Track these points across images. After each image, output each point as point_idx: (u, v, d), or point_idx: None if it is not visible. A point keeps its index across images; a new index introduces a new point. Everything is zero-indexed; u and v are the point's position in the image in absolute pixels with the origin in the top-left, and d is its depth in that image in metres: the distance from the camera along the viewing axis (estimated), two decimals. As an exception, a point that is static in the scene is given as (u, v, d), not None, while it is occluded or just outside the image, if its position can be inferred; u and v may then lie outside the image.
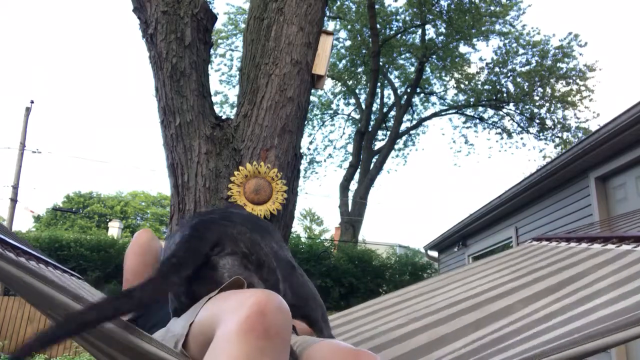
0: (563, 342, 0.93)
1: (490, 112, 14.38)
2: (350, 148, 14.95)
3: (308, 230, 29.24)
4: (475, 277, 1.98)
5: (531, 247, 2.26)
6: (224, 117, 2.51)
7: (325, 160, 15.27)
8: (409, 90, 14.32)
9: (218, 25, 12.67)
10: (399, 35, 13.55)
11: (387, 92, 15.27)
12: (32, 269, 0.81)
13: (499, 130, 14.31)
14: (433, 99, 15.18)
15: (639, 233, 1.81)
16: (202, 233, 1.10)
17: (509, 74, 13.46)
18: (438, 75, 14.70)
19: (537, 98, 13.34)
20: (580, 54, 12.60)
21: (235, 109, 2.63)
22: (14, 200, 12.67)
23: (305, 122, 2.81)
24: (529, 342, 1.11)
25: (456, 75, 14.30)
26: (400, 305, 1.87)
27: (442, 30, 13.07)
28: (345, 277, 8.88)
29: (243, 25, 12.52)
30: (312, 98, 11.05)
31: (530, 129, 13.84)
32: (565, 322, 1.14)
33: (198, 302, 1.02)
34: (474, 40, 13.02)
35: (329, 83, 14.82)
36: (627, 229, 2.11)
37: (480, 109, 14.44)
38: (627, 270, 1.45)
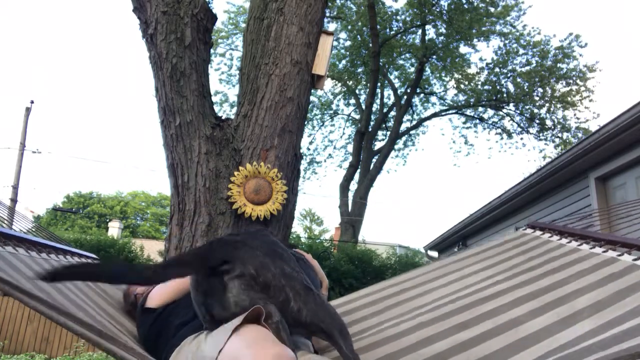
0: None
1: (490, 112, 14.37)
2: (350, 148, 14.95)
3: (308, 231, 29.26)
4: (469, 271, 2.02)
5: (525, 238, 2.30)
6: (224, 117, 2.51)
7: (325, 161, 15.26)
8: (409, 90, 14.30)
9: (218, 24, 12.66)
10: (399, 35, 13.54)
11: (387, 92, 15.26)
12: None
13: (498, 130, 14.29)
14: (433, 99, 15.17)
15: (624, 238, 1.85)
16: (214, 248, 1.28)
17: (509, 74, 13.45)
18: (438, 75, 14.68)
19: (537, 98, 13.33)
20: (581, 55, 12.59)
21: (235, 109, 2.63)
22: (14, 200, 12.66)
23: (305, 122, 2.80)
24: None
25: (456, 75, 14.29)
26: (394, 299, 1.90)
27: (442, 30, 13.07)
28: (345, 277, 8.88)
29: (243, 25, 12.52)
30: (312, 98, 11.05)
31: (530, 129, 13.83)
32: (550, 345, 1.17)
33: (223, 326, 1.17)
34: (474, 40, 13.00)
35: (329, 83, 14.82)
36: (622, 225, 2.14)
37: (480, 109, 14.43)
38: (607, 287, 1.50)
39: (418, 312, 1.68)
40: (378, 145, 14.58)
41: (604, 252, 1.82)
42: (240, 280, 1.21)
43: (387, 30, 13.31)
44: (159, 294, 1.53)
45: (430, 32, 13.48)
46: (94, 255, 2.44)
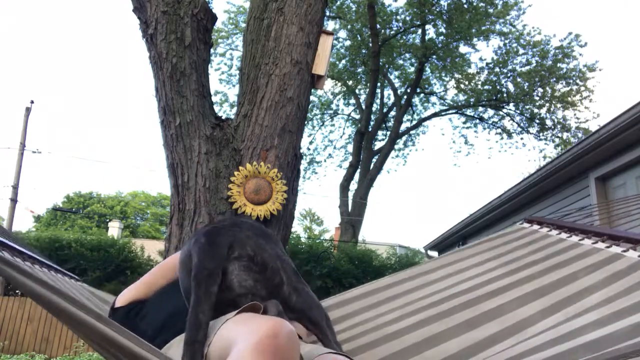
0: None
1: (490, 112, 14.36)
2: (350, 148, 14.94)
3: (308, 231, 29.27)
4: (468, 264, 1.99)
5: (523, 232, 2.26)
6: (224, 117, 2.51)
7: (325, 160, 15.25)
8: (409, 90, 14.29)
9: (218, 24, 12.66)
10: (399, 35, 13.53)
11: (387, 92, 15.26)
12: (46, 281, 0.82)
13: (498, 130, 14.29)
14: (433, 99, 15.16)
15: (627, 233, 1.83)
16: (216, 239, 1.23)
17: (509, 74, 13.44)
18: (438, 75, 14.68)
19: (537, 98, 13.33)
20: (581, 54, 12.59)
21: (235, 108, 2.63)
22: (14, 200, 12.66)
23: (305, 122, 2.80)
24: None
25: (456, 75, 14.28)
26: (394, 291, 1.86)
27: (442, 30, 13.06)
28: (345, 277, 8.87)
29: (243, 25, 12.52)
30: (312, 98, 11.04)
31: (530, 129, 13.82)
32: (555, 342, 1.16)
33: (219, 318, 1.12)
34: (474, 40, 13.00)
35: (329, 83, 14.81)
36: (622, 222, 2.12)
37: (480, 109, 14.42)
38: (617, 284, 1.47)
39: (419, 307, 1.65)
40: (378, 145, 14.58)
41: (607, 247, 1.78)
42: (239, 262, 1.21)
43: (387, 30, 13.30)
44: (127, 290, 1.46)
45: (430, 32, 13.49)
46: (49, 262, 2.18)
